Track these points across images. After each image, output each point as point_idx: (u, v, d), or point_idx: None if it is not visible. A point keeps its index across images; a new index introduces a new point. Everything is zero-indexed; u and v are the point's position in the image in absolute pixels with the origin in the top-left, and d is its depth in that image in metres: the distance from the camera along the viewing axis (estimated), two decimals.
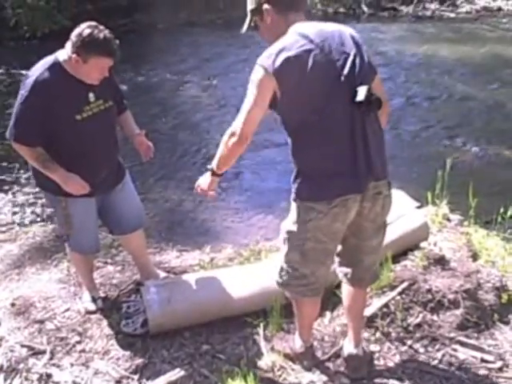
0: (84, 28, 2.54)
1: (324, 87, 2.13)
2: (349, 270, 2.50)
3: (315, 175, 2.20)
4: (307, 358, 2.67)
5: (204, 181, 2.45)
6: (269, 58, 2.09)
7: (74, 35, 2.55)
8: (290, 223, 2.32)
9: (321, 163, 2.19)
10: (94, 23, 2.59)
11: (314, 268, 2.36)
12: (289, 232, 2.33)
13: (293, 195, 2.28)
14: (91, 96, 2.70)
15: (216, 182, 2.43)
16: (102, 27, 2.57)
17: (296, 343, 2.70)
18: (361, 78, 2.13)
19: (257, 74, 2.12)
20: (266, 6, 2.21)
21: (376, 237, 2.40)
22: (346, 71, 2.12)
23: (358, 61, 2.14)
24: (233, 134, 2.19)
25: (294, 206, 2.29)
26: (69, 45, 2.57)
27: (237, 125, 2.18)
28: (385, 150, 2.30)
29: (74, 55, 2.55)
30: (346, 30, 2.23)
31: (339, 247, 2.46)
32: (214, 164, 2.36)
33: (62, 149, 2.69)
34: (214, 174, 2.39)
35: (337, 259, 2.53)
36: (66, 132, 2.66)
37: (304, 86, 2.11)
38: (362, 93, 2.08)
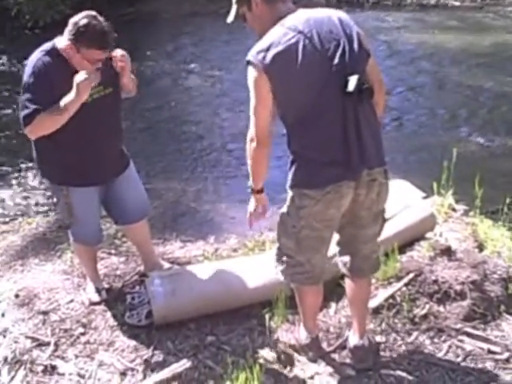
0: (81, 17, 2.51)
1: (315, 78, 2.11)
2: (347, 260, 2.50)
3: (309, 163, 2.20)
4: (313, 350, 2.66)
5: (251, 205, 2.42)
6: (258, 54, 2.10)
7: (71, 22, 2.53)
8: (285, 211, 2.33)
9: (314, 152, 2.19)
10: (92, 13, 2.55)
11: (310, 256, 2.36)
12: (284, 220, 2.35)
13: (288, 182, 2.28)
14: None
15: (262, 199, 2.39)
16: (100, 18, 2.54)
17: (301, 334, 2.69)
18: (352, 65, 2.10)
19: (250, 73, 2.14)
20: None
21: (373, 225, 2.39)
22: (336, 60, 2.10)
23: (347, 47, 2.11)
24: (251, 140, 2.20)
25: (289, 193, 2.29)
26: (66, 31, 2.55)
27: (251, 130, 2.20)
28: (380, 138, 2.29)
29: (68, 42, 2.54)
30: (334, 15, 2.19)
31: (338, 236, 2.46)
32: (250, 182, 2.35)
33: (62, 136, 2.63)
34: (254, 191, 2.36)
35: (337, 249, 2.53)
36: None
37: (295, 79, 2.11)
38: (352, 83, 2.06)
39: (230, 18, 2.32)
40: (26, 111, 2.55)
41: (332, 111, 2.14)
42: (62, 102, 2.51)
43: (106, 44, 2.55)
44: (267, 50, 2.08)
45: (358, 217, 2.33)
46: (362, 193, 2.23)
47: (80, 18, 2.51)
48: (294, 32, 2.09)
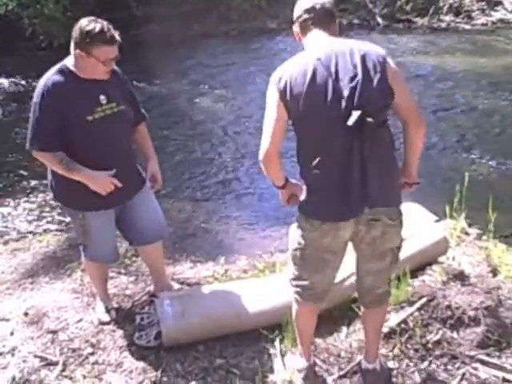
0: (82, 22, 2.55)
1: (325, 109, 2.11)
2: (356, 287, 2.53)
3: (312, 193, 2.25)
4: (309, 378, 2.60)
5: (281, 196, 2.45)
6: (275, 76, 2.18)
7: (74, 32, 2.56)
8: (294, 228, 2.39)
9: (315, 185, 2.22)
10: (92, 17, 2.60)
11: (310, 274, 2.39)
12: (293, 236, 2.41)
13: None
14: (102, 98, 2.68)
15: (286, 192, 2.39)
16: (99, 19, 2.58)
17: (298, 362, 2.65)
18: (362, 102, 2.07)
19: (268, 91, 2.22)
20: (295, 28, 2.34)
21: (377, 261, 2.34)
22: (346, 94, 2.08)
23: (362, 83, 2.08)
24: (262, 160, 2.24)
25: (298, 212, 2.36)
26: (71, 43, 2.59)
27: (262, 148, 2.22)
28: (393, 175, 2.27)
29: (77, 51, 2.56)
30: (359, 49, 2.15)
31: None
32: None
33: (75, 154, 2.65)
34: (279, 187, 2.39)
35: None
36: (78, 134, 2.63)
37: (305, 106, 2.12)
38: (352, 117, 2.05)
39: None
40: (34, 134, 2.61)
41: (337, 146, 2.13)
42: (76, 167, 2.61)
43: (114, 38, 2.58)
44: (283, 73, 2.16)
45: (359, 249, 2.35)
46: (362, 229, 2.23)
47: (81, 23, 2.55)
48: (312, 59, 2.12)
